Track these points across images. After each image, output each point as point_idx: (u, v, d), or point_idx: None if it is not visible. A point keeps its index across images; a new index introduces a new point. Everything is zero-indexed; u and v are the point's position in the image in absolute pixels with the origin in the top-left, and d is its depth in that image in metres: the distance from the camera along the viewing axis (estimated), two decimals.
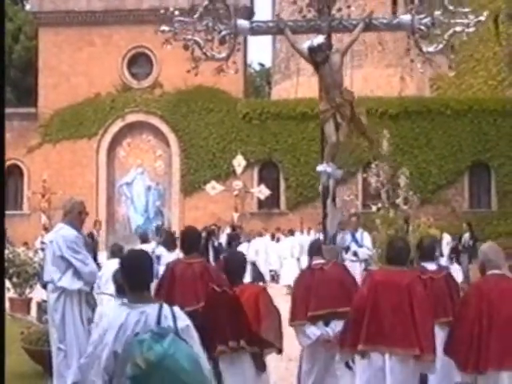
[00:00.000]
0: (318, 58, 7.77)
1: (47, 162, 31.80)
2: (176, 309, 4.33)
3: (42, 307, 13.51)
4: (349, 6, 7.94)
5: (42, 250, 14.64)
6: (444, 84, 34.49)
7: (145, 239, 14.56)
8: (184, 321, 4.28)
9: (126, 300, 4.45)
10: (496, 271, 5.79)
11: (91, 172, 32.00)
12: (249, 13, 33.05)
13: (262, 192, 29.39)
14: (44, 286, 8.56)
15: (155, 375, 3.97)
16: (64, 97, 31.88)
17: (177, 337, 4.10)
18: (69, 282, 7.79)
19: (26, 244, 23.18)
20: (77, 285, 7.82)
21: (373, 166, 18.49)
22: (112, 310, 4.68)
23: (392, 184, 17.74)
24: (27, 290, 15.16)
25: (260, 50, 49.88)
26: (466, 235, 22.59)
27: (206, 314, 5.78)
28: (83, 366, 4.42)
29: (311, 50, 7.74)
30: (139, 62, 32.84)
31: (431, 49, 7.52)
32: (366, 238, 14.55)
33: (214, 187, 29.04)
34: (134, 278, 4.35)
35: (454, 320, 6.17)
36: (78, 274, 7.78)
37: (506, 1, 29.23)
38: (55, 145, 32.33)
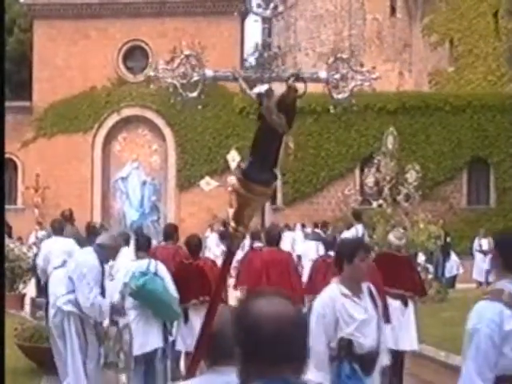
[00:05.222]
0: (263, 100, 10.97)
1: (42, 157, 31.55)
2: (159, 263, 8.17)
3: (35, 303, 13.30)
4: (283, 64, 11.17)
5: (35, 244, 14.43)
6: (443, 79, 34.30)
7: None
8: (162, 268, 8.11)
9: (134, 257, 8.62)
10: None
11: (86, 166, 31.75)
12: None
13: None
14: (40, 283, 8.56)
15: (141, 293, 7.82)
16: (59, 90, 31.62)
17: (154, 275, 7.90)
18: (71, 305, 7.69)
19: (20, 239, 22.91)
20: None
21: (375, 161, 18.30)
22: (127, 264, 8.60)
23: (397, 180, 17.55)
24: (21, 286, 14.97)
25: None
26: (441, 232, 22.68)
27: (178, 278, 8.26)
28: (114, 289, 8.10)
29: (259, 95, 10.44)
30: (135, 55, 32.61)
31: (340, 96, 10.44)
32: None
33: (208, 183, 28.78)
34: (139, 245, 8.53)
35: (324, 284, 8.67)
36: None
37: None
38: (50, 139, 32.08)
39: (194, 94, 10.36)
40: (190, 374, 3.11)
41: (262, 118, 2.65)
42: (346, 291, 5.05)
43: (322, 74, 10.61)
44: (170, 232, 10.51)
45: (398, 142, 19.33)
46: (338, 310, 5.00)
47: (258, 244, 11.27)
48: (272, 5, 10.13)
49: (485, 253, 22.82)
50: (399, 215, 18.45)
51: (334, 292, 5.07)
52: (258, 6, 10.24)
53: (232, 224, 2.81)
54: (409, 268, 9.13)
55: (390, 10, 36.23)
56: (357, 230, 15.23)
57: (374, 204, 19.52)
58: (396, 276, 8.68)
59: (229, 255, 2.88)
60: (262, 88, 11.01)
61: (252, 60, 11.21)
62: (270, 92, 2.82)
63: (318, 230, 22.22)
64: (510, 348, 3.81)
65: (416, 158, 26.86)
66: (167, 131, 31.66)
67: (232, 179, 29.71)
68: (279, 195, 30.77)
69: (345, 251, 5.20)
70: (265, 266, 9.16)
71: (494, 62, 30.61)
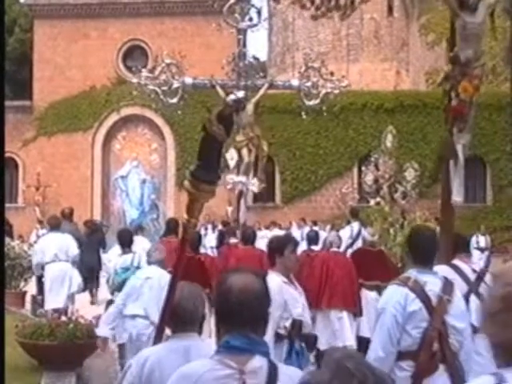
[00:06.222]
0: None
1: (42, 155, 31.74)
2: (142, 256, 8.48)
3: (36, 300, 13.50)
4: (258, 72, 11.92)
5: (36, 242, 14.63)
6: (440, 78, 34.45)
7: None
8: (145, 261, 8.22)
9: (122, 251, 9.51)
10: (335, 249, 9.27)
11: (86, 165, 31.92)
12: None
13: (256, 185, 29.27)
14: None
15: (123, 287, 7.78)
16: (59, 90, 31.78)
17: (136, 269, 8.24)
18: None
19: (21, 237, 23.13)
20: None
21: (372, 159, 18.45)
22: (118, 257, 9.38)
23: (396, 178, 17.70)
24: (21, 284, 15.13)
25: (256, 44, 49.91)
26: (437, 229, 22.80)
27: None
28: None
29: (234, 101, 11.88)
30: (134, 55, 32.76)
31: (311, 103, 10.87)
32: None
33: None
34: (122, 242, 9.60)
35: (306, 276, 8.61)
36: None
37: None
38: (50, 138, 32.25)
39: (174, 101, 11.24)
40: (156, 341, 3.59)
41: (205, 128, 3.16)
42: (285, 279, 5.76)
43: (294, 82, 11.25)
44: (173, 226, 11.14)
45: (396, 141, 19.53)
46: (285, 294, 5.66)
47: (233, 240, 12.09)
48: (248, 17, 10.87)
49: (482, 250, 23.01)
50: (396, 213, 18.65)
51: (277, 280, 5.62)
52: (234, 17, 10.88)
53: (185, 216, 3.40)
54: (382, 260, 9.90)
55: (388, 9, 36.31)
56: (351, 228, 15.40)
57: (372, 202, 19.70)
58: (371, 269, 9.46)
59: (183, 241, 3.53)
60: (238, 94, 11.73)
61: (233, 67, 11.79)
62: (210, 109, 3.36)
63: (316, 228, 22.45)
64: (413, 326, 4.41)
65: (413, 157, 27.09)
66: (166, 130, 31.81)
67: (231, 177, 29.87)
68: (278, 193, 30.97)
69: (276, 246, 5.87)
70: (238, 263, 9.94)
71: (490, 62, 30.78)
